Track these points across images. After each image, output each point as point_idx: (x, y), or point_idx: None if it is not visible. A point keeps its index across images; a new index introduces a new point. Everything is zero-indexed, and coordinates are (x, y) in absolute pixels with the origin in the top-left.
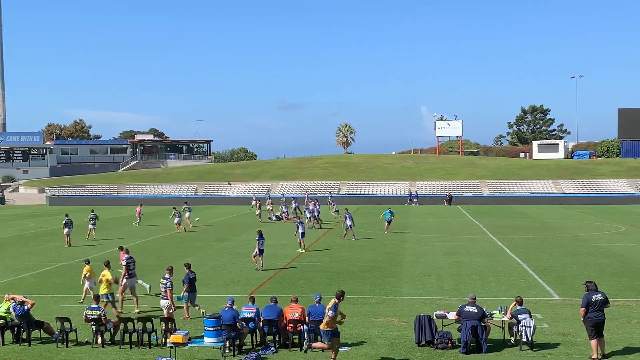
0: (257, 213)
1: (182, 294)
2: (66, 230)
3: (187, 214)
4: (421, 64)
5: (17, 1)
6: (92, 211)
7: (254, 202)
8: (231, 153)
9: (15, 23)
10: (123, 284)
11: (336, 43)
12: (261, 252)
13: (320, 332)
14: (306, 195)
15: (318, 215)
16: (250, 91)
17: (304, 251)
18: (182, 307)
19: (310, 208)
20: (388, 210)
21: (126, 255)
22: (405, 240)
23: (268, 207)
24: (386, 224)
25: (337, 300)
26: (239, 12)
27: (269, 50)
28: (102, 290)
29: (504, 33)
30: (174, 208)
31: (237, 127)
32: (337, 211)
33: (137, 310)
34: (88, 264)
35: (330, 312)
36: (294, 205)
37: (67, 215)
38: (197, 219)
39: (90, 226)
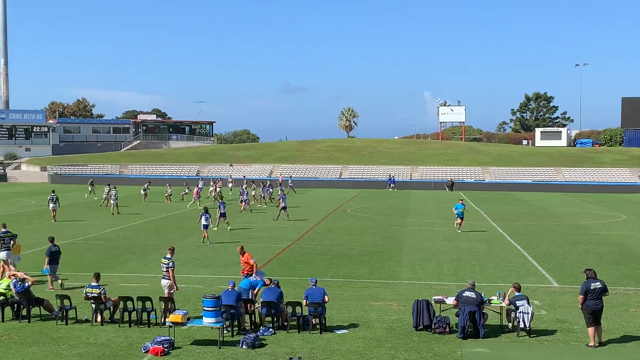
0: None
1: (44, 267)
2: (52, 205)
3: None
4: (425, 49)
5: None
6: (114, 187)
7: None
8: (234, 135)
9: (19, 2)
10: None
11: (341, 26)
12: (205, 227)
13: (318, 313)
14: (244, 178)
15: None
16: (254, 74)
17: (216, 229)
18: (182, 286)
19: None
20: (460, 203)
21: (3, 230)
22: (406, 225)
23: (217, 189)
24: (459, 220)
25: None
26: None
27: (274, 33)
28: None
29: (509, 20)
30: (185, 184)
31: (240, 109)
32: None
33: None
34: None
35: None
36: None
37: (53, 191)
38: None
39: (112, 201)
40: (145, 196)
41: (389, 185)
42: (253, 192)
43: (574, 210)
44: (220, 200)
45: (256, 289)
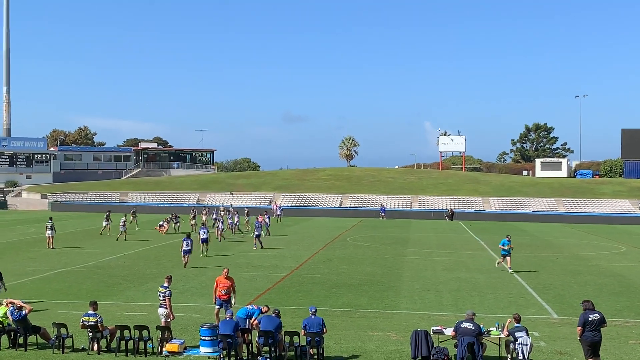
0: (191, 223)
1: None
2: (48, 232)
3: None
4: (426, 79)
5: (23, 8)
6: (134, 211)
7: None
8: (234, 163)
9: (22, 30)
10: None
11: (342, 57)
12: (186, 252)
13: (316, 343)
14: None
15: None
16: (255, 102)
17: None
18: (180, 315)
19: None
20: (507, 239)
21: None
22: (405, 255)
23: (203, 217)
24: (503, 258)
25: None
26: (245, 24)
27: (275, 62)
28: None
29: (508, 51)
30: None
31: (241, 138)
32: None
33: None
34: None
35: None
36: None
37: (50, 218)
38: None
39: (120, 229)
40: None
41: (381, 214)
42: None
43: (574, 241)
44: (202, 226)
45: (253, 318)
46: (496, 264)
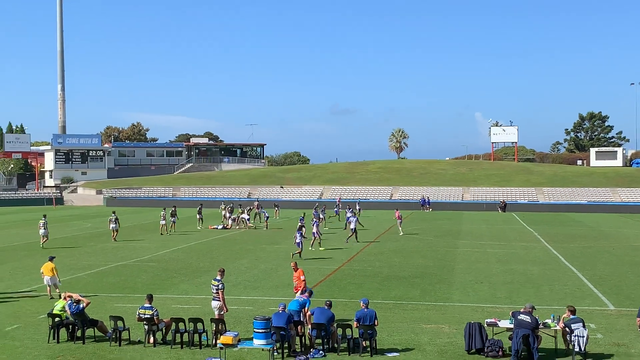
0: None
1: None
2: (112, 225)
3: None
4: (476, 69)
5: (76, 7)
6: (174, 207)
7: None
8: (284, 157)
9: (77, 27)
10: None
11: (391, 48)
12: (299, 244)
13: (369, 335)
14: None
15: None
16: (303, 96)
17: (322, 249)
18: (233, 308)
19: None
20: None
21: None
22: (458, 247)
23: (222, 212)
24: None
25: None
26: (294, 17)
27: (324, 55)
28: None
29: (562, 38)
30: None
31: (290, 132)
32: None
33: None
34: (51, 260)
35: None
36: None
37: (113, 212)
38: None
39: (171, 219)
40: (201, 220)
41: (423, 205)
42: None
43: (630, 231)
44: (315, 220)
45: (306, 307)
46: None
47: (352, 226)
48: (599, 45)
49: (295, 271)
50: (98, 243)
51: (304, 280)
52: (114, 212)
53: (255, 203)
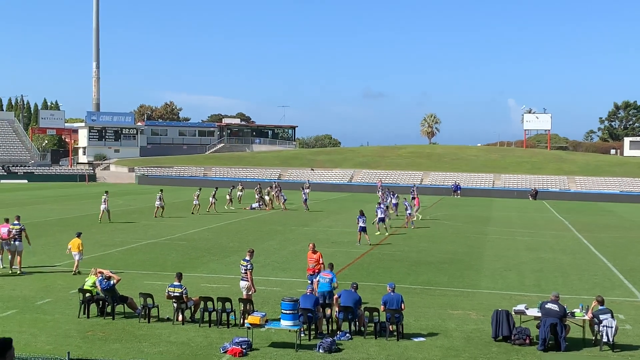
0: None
1: None
2: (157, 202)
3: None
4: (510, 55)
5: None
6: (216, 188)
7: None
8: (315, 139)
9: (113, 5)
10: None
11: (424, 32)
12: (362, 229)
13: (395, 319)
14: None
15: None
16: (336, 79)
17: (387, 234)
18: (261, 288)
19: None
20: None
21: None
22: (487, 234)
23: (239, 193)
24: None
25: None
26: (327, 2)
27: (356, 38)
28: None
29: (597, 25)
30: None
31: (322, 114)
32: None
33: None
34: (79, 236)
35: None
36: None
37: (161, 190)
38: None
39: (211, 199)
40: (230, 201)
41: (455, 191)
42: (267, 196)
43: None
44: (379, 205)
45: (334, 281)
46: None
47: (408, 211)
48: (636, 33)
49: (315, 253)
50: (130, 220)
51: (322, 264)
52: (161, 190)
53: (274, 184)
